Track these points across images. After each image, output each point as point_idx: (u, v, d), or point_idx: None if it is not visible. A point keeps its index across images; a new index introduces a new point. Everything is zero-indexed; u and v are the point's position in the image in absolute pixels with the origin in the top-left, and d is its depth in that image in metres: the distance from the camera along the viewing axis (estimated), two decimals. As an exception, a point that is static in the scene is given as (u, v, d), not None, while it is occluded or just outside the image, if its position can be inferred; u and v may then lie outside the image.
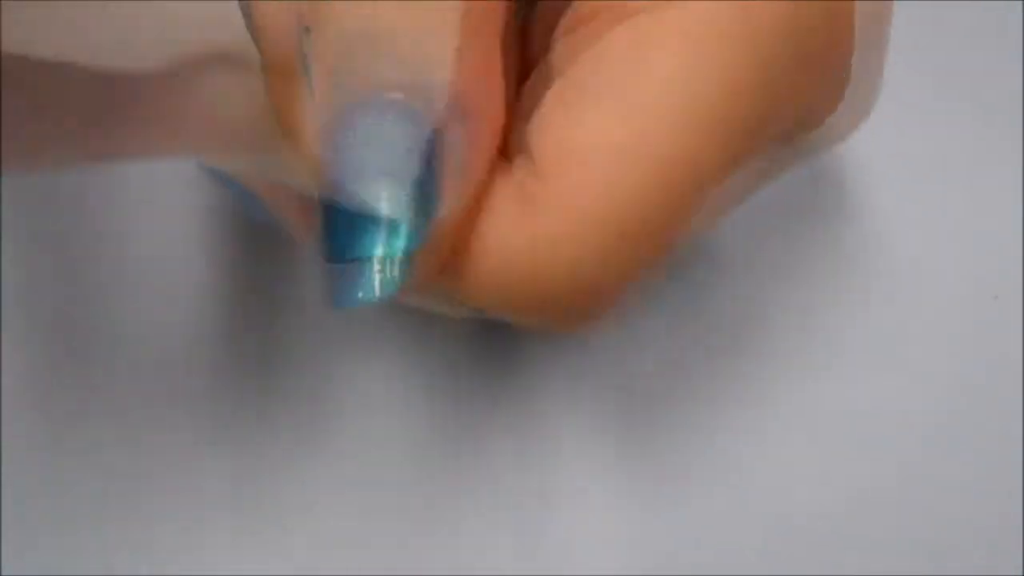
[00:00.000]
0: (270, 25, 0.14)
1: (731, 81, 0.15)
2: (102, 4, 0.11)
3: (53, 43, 0.11)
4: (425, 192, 0.14)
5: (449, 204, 0.15)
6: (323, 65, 0.14)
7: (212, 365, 0.23)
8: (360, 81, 0.14)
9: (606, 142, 0.15)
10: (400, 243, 0.14)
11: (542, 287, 0.15)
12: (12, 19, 0.10)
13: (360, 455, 0.22)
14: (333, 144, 0.14)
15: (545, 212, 0.15)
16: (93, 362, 0.23)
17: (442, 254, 0.15)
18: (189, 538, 0.22)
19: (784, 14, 0.15)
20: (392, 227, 0.14)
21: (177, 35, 0.12)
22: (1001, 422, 0.23)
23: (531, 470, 0.22)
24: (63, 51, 0.11)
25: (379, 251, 0.14)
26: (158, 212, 0.23)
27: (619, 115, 0.15)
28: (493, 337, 0.23)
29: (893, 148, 0.24)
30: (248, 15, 0.13)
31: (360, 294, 0.14)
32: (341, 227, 0.14)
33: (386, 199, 0.14)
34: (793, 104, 0.16)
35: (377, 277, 0.14)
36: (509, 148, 0.16)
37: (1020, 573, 0.22)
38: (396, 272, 0.14)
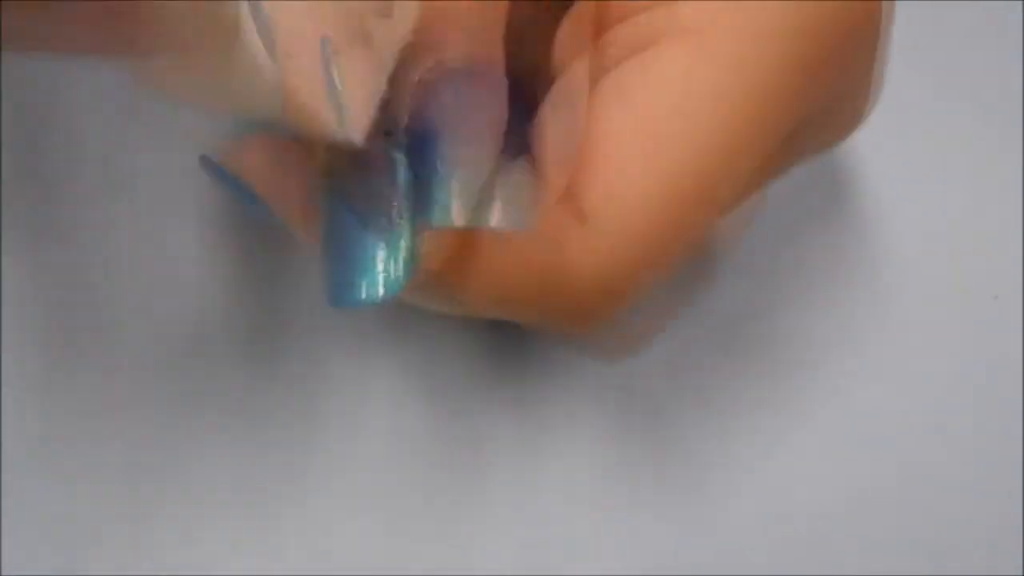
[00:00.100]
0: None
1: (766, 87, 0.15)
2: None
3: None
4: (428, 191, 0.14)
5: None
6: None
7: (213, 365, 0.23)
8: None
9: (626, 146, 0.15)
10: (405, 241, 0.14)
11: (551, 288, 0.15)
12: None
13: (360, 455, 0.22)
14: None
15: (553, 214, 0.15)
16: (93, 362, 0.23)
17: (447, 251, 0.15)
18: (189, 538, 0.22)
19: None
20: (396, 226, 0.14)
21: None
22: (1001, 422, 0.23)
23: (531, 470, 0.22)
24: None
25: (383, 250, 0.14)
26: (158, 211, 0.23)
27: (639, 119, 0.15)
28: (493, 338, 0.23)
29: (893, 148, 0.24)
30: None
31: (364, 292, 0.14)
32: (346, 228, 0.14)
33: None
34: (823, 109, 0.16)
35: (381, 276, 0.14)
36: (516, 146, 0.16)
37: (1020, 573, 0.22)
38: (401, 270, 0.14)
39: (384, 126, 0.15)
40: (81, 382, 0.22)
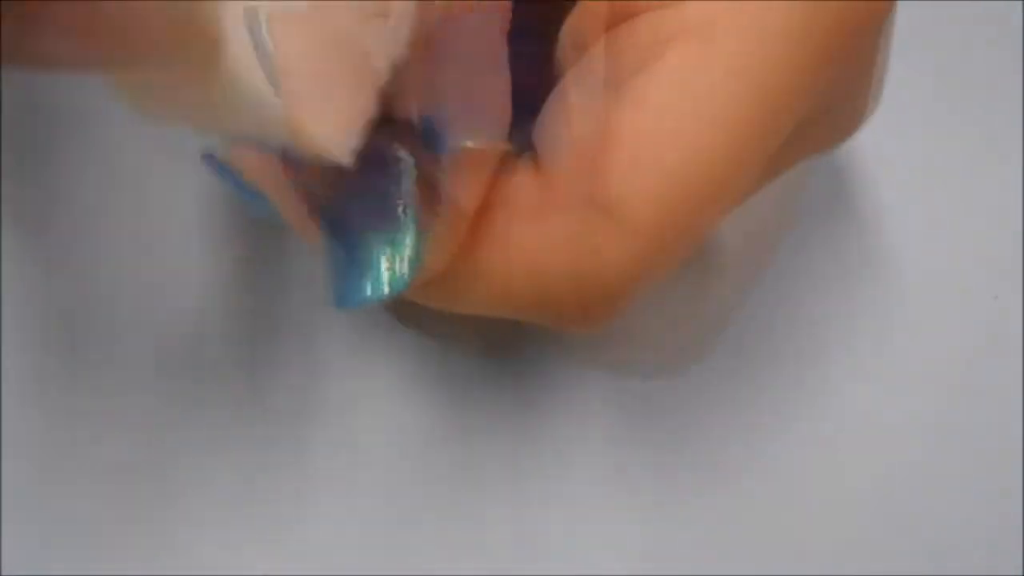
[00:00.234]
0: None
1: (771, 88, 0.15)
2: None
3: None
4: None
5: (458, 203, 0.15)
6: None
7: (213, 364, 0.23)
8: None
9: (636, 144, 0.15)
10: (410, 240, 0.14)
11: (558, 286, 0.15)
12: None
13: (361, 456, 0.22)
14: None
15: (564, 212, 0.15)
16: (93, 362, 0.23)
17: (453, 249, 0.15)
18: (189, 538, 0.22)
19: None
20: (401, 225, 0.14)
21: None
22: (1001, 422, 0.23)
23: (531, 471, 0.22)
24: None
25: (388, 249, 0.14)
26: (159, 211, 0.23)
27: (646, 117, 0.15)
28: (493, 338, 0.23)
29: (893, 148, 0.24)
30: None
31: (369, 291, 0.14)
32: (351, 226, 0.14)
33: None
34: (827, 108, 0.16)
35: (386, 275, 0.14)
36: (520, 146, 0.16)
37: (1020, 573, 0.22)
38: (406, 269, 0.14)
39: (388, 125, 0.15)
40: (81, 382, 0.22)
